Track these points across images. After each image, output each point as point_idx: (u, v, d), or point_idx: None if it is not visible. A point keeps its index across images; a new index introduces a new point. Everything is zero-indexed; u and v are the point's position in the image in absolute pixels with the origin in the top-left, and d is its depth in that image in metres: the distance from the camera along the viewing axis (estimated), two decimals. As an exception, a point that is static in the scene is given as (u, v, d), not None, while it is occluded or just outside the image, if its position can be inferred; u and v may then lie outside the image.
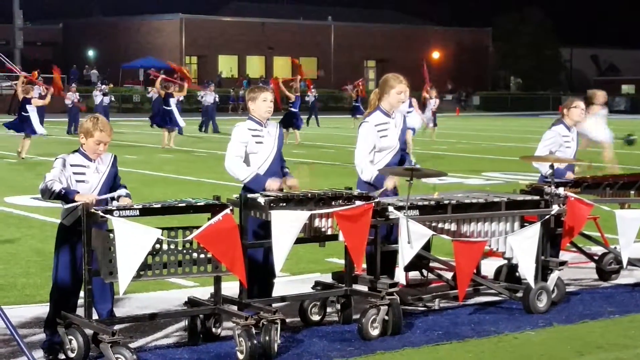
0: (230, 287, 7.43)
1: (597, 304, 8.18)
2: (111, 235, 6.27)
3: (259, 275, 7.30)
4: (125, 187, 6.77)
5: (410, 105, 17.21)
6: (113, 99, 40.06)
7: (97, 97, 35.12)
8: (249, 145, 7.45)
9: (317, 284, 7.65)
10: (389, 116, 8.05)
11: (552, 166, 8.33)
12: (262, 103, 7.53)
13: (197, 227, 6.52)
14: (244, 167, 7.42)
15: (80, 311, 6.56)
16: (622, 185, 8.94)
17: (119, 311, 7.28)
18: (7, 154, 24.58)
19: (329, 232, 7.19)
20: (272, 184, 7.33)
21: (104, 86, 37.30)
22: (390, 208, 7.28)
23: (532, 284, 7.83)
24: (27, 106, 23.46)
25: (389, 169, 7.84)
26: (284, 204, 6.94)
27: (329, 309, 7.57)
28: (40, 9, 79.32)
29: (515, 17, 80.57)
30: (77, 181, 6.58)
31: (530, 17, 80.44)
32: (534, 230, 7.83)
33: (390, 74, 8.19)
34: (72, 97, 34.78)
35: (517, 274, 8.32)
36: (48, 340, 6.70)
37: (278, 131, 7.65)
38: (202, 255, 6.62)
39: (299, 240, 7.03)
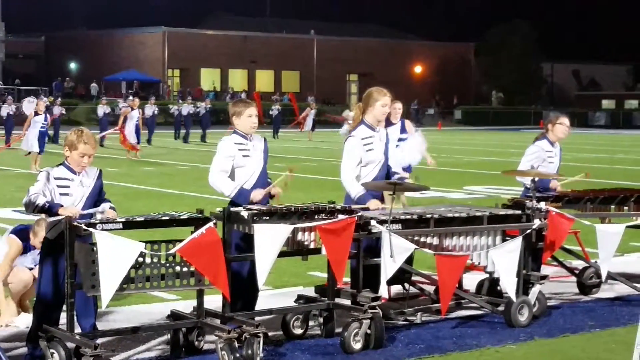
0: (213, 301, 7.43)
1: (578, 318, 8.23)
2: (94, 248, 6.27)
3: (242, 288, 7.31)
4: (109, 202, 6.77)
5: (404, 130, 12.35)
6: (64, 111, 40.31)
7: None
8: (235, 159, 7.45)
9: (300, 297, 7.66)
10: (373, 130, 8.08)
11: (533, 181, 8.38)
12: (247, 119, 7.53)
13: (180, 241, 6.52)
14: (228, 182, 7.42)
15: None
16: (602, 200, 9.00)
17: (102, 324, 7.27)
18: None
19: (312, 245, 7.21)
20: (257, 194, 7.35)
21: (45, 99, 37.47)
22: (373, 222, 7.31)
23: (513, 297, 7.86)
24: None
25: (372, 183, 7.86)
26: (267, 218, 6.96)
27: (311, 323, 7.57)
28: (22, 22, 79.15)
29: (498, 32, 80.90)
30: (61, 194, 6.58)
31: (514, 32, 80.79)
32: (516, 245, 7.87)
33: (374, 88, 8.21)
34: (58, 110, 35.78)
35: (498, 287, 8.36)
36: (30, 353, 6.68)
37: (264, 145, 7.65)
38: (185, 269, 6.63)
39: (282, 254, 7.04)
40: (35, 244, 7.88)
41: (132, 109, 30.11)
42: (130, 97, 42.81)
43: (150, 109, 37.40)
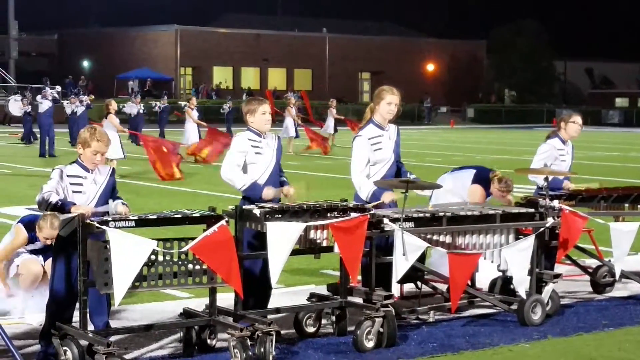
0: (226, 299, 7.43)
1: (591, 317, 8.20)
2: (107, 246, 6.28)
3: (255, 286, 7.31)
4: (121, 199, 6.78)
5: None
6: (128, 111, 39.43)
7: (79, 108, 34.79)
8: (248, 156, 7.48)
9: (312, 295, 7.66)
10: (382, 129, 8.07)
11: (546, 179, 8.36)
12: (261, 116, 7.55)
13: (193, 239, 6.53)
14: (241, 175, 7.44)
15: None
16: (616, 198, 8.97)
17: (114, 322, 7.28)
18: (1, 164, 24.57)
19: (324, 243, 7.20)
20: (269, 192, 7.35)
21: (85, 97, 36.98)
22: (386, 220, 7.29)
23: (523, 296, 7.84)
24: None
25: (384, 182, 7.85)
26: (280, 216, 6.95)
27: (324, 321, 7.57)
28: (35, 20, 79.27)
29: (510, 29, 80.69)
30: (74, 192, 6.60)
31: (526, 29, 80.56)
32: (528, 243, 7.85)
33: (385, 86, 8.21)
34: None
35: (511, 286, 8.33)
36: (43, 351, 6.70)
37: (277, 143, 7.66)
38: (197, 267, 6.64)
39: (294, 252, 7.04)
40: (40, 238, 8.00)
41: (191, 109, 27.70)
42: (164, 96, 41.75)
43: (135, 108, 35.83)
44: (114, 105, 21.52)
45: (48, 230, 7.88)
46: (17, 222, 8.31)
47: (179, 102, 45.83)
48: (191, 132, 27.35)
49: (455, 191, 9.01)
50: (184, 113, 29.31)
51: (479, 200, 8.87)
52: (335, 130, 34.92)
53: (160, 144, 21.36)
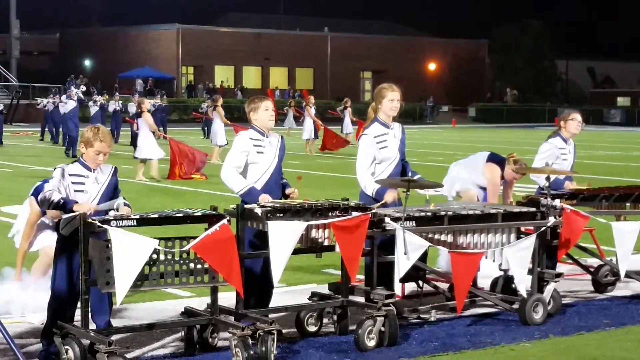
0: (227, 298, 7.43)
1: (593, 316, 8.20)
2: (108, 245, 6.28)
3: (257, 285, 7.31)
4: (124, 198, 6.78)
5: None
6: (119, 107, 38.79)
7: (93, 108, 34.69)
8: (250, 155, 7.46)
9: (314, 294, 7.66)
10: (387, 127, 8.07)
11: (548, 178, 8.35)
12: (264, 112, 7.54)
13: (194, 238, 6.53)
14: (240, 178, 7.42)
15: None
16: (618, 198, 8.97)
17: (116, 321, 7.28)
18: (4, 163, 24.59)
19: (326, 242, 7.20)
20: (265, 198, 7.32)
21: (99, 97, 36.67)
22: (387, 219, 7.29)
23: (524, 294, 7.84)
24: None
25: (386, 180, 7.85)
26: (281, 215, 6.95)
27: (325, 320, 7.57)
28: (37, 19, 79.39)
29: (513, 29, 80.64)
30: (76, 191, 6.60)
31: (529, 29, 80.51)
32: (530, 242, 7.84)
33: (384, 84, 8.21)
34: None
35: (513, 285, 8.33)
36: (44, 350, 6.70)
37: (280, 142, 7.64)
38: (199, 266, 6.64)
39: (295, 251, 7.04)
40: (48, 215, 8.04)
41: (216, 107, 25.86)
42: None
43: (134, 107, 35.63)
44: (146, 104, 20.72)
45: (52, 212, 7.92)
46: (31, 194, 8.26)
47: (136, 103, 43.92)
48: (219, 131, 25.66)
49: (469, 177, 9.09)
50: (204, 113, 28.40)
51: (495, 177, 8.88)
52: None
53: (187, 149, 20.80)
